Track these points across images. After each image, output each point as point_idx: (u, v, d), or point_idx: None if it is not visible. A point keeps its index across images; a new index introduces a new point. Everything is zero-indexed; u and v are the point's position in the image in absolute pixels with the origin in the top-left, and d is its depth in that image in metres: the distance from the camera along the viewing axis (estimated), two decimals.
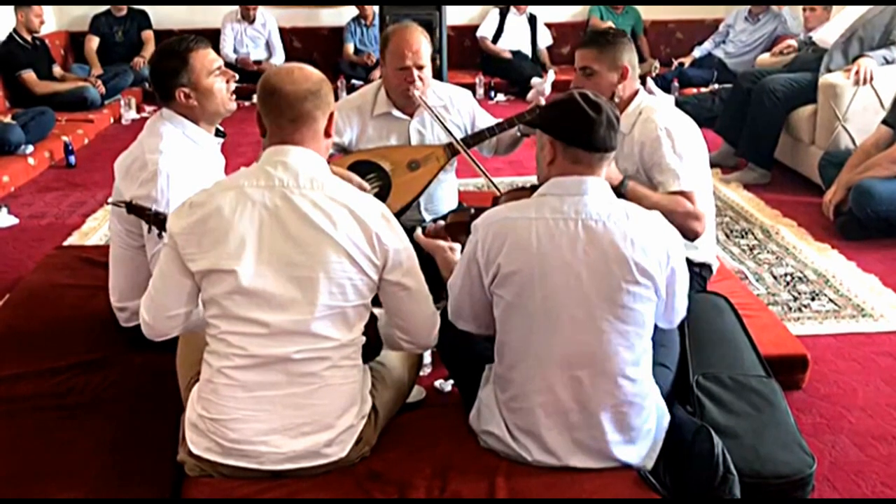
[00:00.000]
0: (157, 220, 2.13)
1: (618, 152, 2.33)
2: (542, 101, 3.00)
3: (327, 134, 1.90)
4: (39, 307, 2.84)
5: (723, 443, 1.87)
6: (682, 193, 2.41)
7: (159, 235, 2.18)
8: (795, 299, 3.28)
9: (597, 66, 2.51)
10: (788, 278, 3.47)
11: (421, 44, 2.81)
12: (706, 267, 2.71)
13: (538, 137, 1.94)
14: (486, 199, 2.54)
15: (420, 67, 2.82)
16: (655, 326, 1.89)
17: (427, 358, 2.49)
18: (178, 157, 2.35)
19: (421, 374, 2.37)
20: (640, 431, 1.85)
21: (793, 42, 5.55)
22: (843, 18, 4.99)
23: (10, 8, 6.07)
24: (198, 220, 1.77)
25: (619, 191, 2.27)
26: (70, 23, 7.41)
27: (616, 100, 2.51)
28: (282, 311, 1.75)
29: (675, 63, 6.99)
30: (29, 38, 6.13)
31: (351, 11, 7.46)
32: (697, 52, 6.98)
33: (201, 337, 1.89)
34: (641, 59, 7.12)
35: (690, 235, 2.40)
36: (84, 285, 2.96)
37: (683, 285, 1.91)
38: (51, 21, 7.01)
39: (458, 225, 2.29)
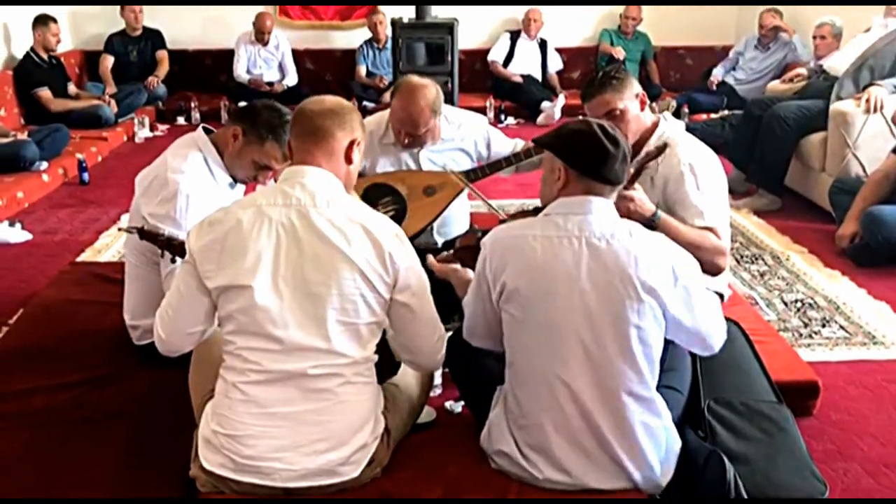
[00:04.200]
0: (170, 245, 2.16)
1: (639, 183, 2.34)
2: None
3: (349, 160, 1.93)
4: (53, 322, 2.86)
5: (734, 468, 1.86)
6: (707, 229, 2.40)
7: (172, 260, 2.20)
8: (806, 326, 3.27)
9: (621, 105, 2.49)
10: (799, 304, 3.47)
11: (420, 114, 2.79)
12: (718, 296, 2.71)
13: (548, 161, 1.95)
14: (496, 221, 2.56)
15: (413, 135, 2.85)
16: (665, 350, 1.90)
17: (437, 379, 2.50)
18: (198, 181, 2.39)
19: (431, 394, 2.37)
20: (650, 452, 1.84)
21: (803, 70, 5.59)
22: (853, 47, 5.02)
23: (29, 27, 6.15)
24: (216, 238, 1.80)
25: (651, 223, 2.27)
26: (86, 42, 7.50)
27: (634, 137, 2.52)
28: (296, 326, 1.77)
29: (714, 80, 6.88)
30: (45, 56, 6.21)
31: (363, 34, 7.54)
32: (720, 75, 6.90)
33: (215, 354, 1.91)
34: (653, 87, 7.18)
35: (714, 270, 2.38)
36: (97, 301, 2.99)
37: (705, 306, 1.89)
38: (67, 40, 7.08)
39: (466, 249, 2.30)
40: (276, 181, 2.67)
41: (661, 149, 2.33)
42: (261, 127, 2.38)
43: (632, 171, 2.36)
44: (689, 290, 1.84)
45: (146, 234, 2.18)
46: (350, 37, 7.74)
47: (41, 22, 6.14)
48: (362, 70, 7.40)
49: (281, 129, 2.37)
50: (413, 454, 2.03)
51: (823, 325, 3.27)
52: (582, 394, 1.80)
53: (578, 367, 1.80)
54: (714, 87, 6.80)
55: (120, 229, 2.39)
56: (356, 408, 1.84)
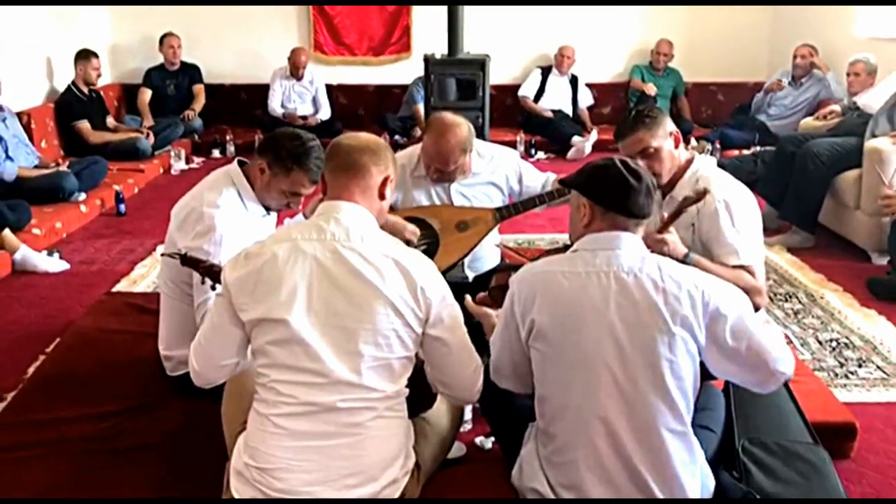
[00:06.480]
0: (212, 272, 2.18)
1: (679, 225, 2.34)
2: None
3: (382, 196, 1.97)
4: (89, 351, 2.90)
5: None
6: (742, 267, 2.39)
7: (212, 287, 2.22)
8: (842, 366, 3.22)
9: (655, 143, 2.52)
10: (834, 344, 3.42)
11: (450, 152, 2.85)
12: None
13: (574, 199, 1.97)
14: (526, 257, 2.56)
15: (441, 171, 2.90)
16: (701, 388, 1.87)
17: (467, 414, 2.49)
18: (231, 215, 2.43)
19: (461, 430, 2.36)
20: (688, 489, 1.81)
21: (836, 107, 5.56)
22: (887, 84, 5.00)
23: (71, 61, 6.31)
24: (252, 271, 1.82)
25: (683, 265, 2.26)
26: (124, 76, 7.67)
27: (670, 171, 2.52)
28: (330, 361, 1.78)
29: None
30: (86, 89, 6.36)
31: (395, 70, 7.59)
32: (762, 115, 6.79)
33: (248, 387, 1.92)
34: (684, 123, 7.16)
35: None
36: (132, 331, 3.03)
37: (754, 337, 1.81)
38: (106, 73, 7.26)
39: (500, 288, 2.30)
40: (304, 213, 2.74)
41: (701, 195, 2.32)
42: (285, 158, 2.41)
43: (665, 215, 2.36)
44: (728, 321, 1.78)
45: (188, 261, 2.20)
46: (382, 73, 7.86)
47: (83, 56, 6.31)
48: (420, 108, 7.16)
49: (305, 156, 2.40)
50: (443, 490, 2.03)
51: (860, 366, 3.22)
52: (617, 430, 1.78)
53: (611, 402, 1.78)
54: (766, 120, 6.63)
55: (163, 254, 2.43)
56: (387, 442, 1.84)
